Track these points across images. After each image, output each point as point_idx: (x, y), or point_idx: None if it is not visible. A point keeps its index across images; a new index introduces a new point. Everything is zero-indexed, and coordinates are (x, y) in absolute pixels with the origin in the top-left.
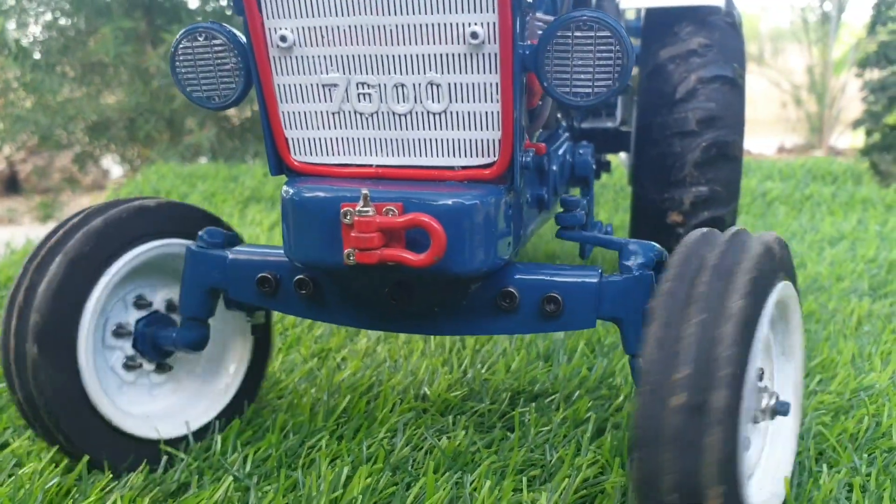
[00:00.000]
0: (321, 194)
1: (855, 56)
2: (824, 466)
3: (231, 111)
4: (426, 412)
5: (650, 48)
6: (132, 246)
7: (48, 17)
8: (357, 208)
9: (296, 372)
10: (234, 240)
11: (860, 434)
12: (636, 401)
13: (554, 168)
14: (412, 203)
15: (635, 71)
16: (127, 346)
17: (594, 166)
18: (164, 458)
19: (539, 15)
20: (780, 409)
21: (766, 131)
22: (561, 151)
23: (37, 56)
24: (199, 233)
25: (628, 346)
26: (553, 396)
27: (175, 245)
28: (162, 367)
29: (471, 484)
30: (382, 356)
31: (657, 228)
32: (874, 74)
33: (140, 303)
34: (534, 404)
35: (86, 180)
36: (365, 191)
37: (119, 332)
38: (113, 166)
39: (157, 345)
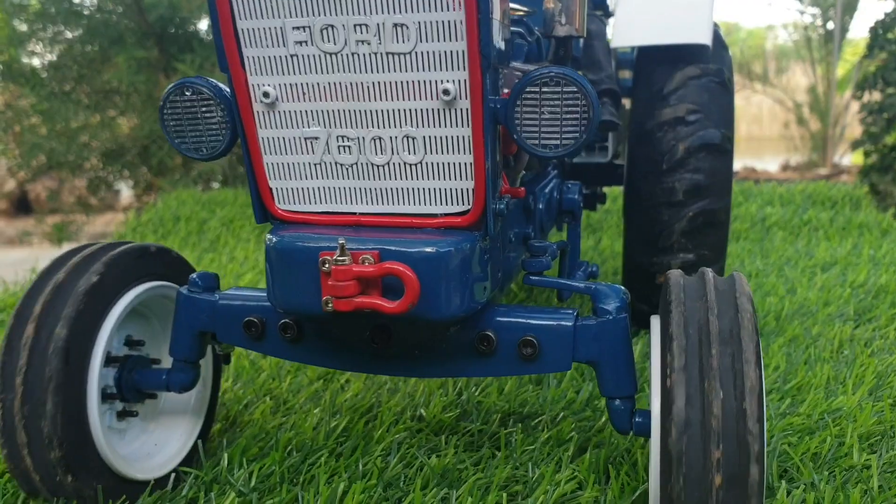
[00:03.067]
0: (301, 243)
1: (857, 75)
2: (784, 483)
3: None
4: (420, 432)
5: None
6: (127, 288)
7: (63, 45)
8: (334, 257)
9: (302, 393)
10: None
11: (823, 453)
12: (671, 480)
13: (540, 206)
14: (388, 251)
15: (627, 102)
16: (113, 389)
17: (581, 203)
18: (173, 475)
19: (517, 65)
20: None
21: (771, 149)
22: (548, 189)
23: (51, 84)
24: (192, 276)
25: (605, 389)
26: (540, 418)
27: (160, 288)
28: (128, 412)
29: (456, 499)
30: (384, 378)
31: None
32: (873, 96)
33: (129, 342)
34: (521, 425)
35: (95, 201)
36: (342, 240)
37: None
38: (124, 189)
39: (139, 388)
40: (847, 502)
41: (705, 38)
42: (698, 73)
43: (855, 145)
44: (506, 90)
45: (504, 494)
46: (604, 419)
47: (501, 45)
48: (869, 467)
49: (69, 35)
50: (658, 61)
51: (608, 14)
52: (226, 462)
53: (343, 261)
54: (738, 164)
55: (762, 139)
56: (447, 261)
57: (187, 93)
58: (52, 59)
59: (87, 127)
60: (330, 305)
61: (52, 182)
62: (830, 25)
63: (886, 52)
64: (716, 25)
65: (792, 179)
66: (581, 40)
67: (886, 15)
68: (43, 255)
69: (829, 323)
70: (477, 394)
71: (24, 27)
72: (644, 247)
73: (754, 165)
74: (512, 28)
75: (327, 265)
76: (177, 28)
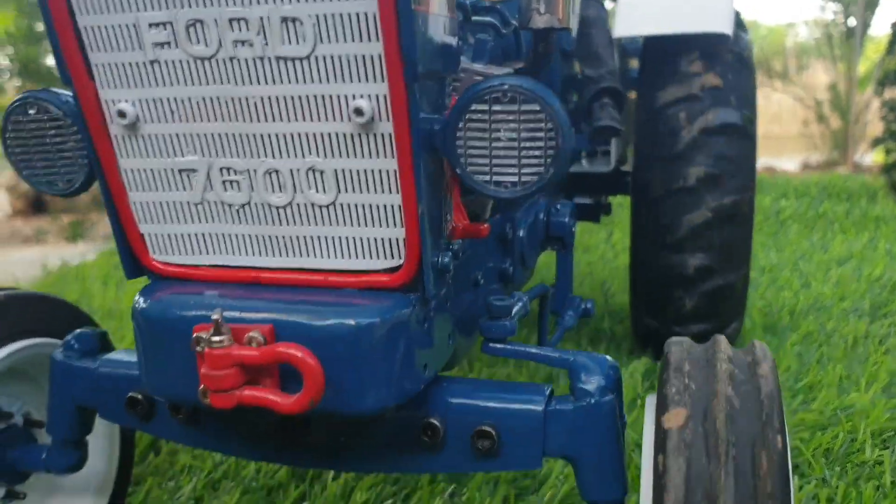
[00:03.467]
0: (173, 312)
1: (879, 73)
2: (796, 478)
3: None
4: None
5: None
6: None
7: None
8: (208, 335)
9: None
10: (108, 342)
11: (835, 449)
12: None
13: (520, 234)
14: (284, 325)
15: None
16: None
17: (573, 227)
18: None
19: (478, 67)
20: None
21: (791, 148)
22: (532, 211)
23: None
24: (68, 337)
25: (585, 492)
26: None
27: (38, 346)
28: (13, 494)
29: (464, 494)
30: None
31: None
32: (894, 93)
33: None
34: None
35: None
36: (217, 313)
37: None
38: None
39: (16, 469)
40: (860, 498)
41: (726, 27)
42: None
43: (875, 143)
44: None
45: (512, 490)
46: None
47: (442, 44)
48: (881, 463)
49: None
50: (669, 52)
51: None
52: (233, 458)
53: (219, 342)
54: (757, 163)
55: (782, 137)
56: (366, 337)
57: (31, 111)
58: None
59: None
60: (206, 398)
61: None
62: (852, 22)
63: None
64: (736, 9)
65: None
66: (574, 30)
67: None
68: (57, 253)
69: (844, 318)
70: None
71: (41, 27)
72: (652, 248)
73: (773, 164)
74: (480, 18)
75: (201, 345)
76: None
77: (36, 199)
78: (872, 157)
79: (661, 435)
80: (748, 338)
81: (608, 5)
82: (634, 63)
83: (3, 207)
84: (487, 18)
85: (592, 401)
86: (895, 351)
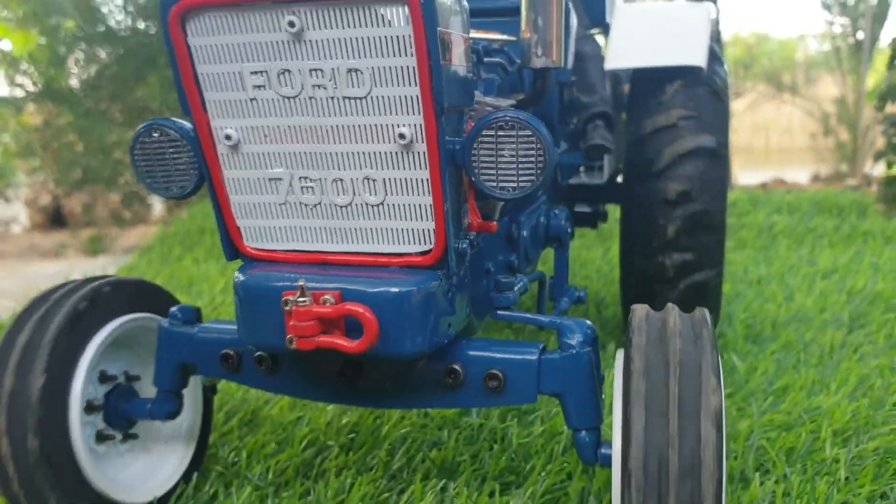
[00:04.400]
0: (266, 283)
1: (883, 87)
2: (758, 475)
3: None
4: (425, 427)
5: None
6: (106, 322)
7: (99, 65)
8: (295, 297)
9: None
10: (200, 315)
11: (798, 447)
12: (622, 493)
13: (524, 234)
14: (349, 291)
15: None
16: (97, 420)
17: (569, 229)
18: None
19: (489, 100)
20: None
21: (802, 160)
22: (535, 215)
23: (87, 102)
24: (172, 310)
25: (570, 421)
26: (537, 413)
27: (137, 319)
28: (129, 437)
29: (454, 489)
30: None
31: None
32: (895, 108)
33: (103, 377)
34: (518, 420)
35: (129, 214)
36: (302, 281)
37: (88, 408)
38: (157, 203)
39: (126, 416)
40: (814, 493)
41: (700, 60)
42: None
43: (877, 156)
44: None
45: (497, 485)
46: None
47: (460, 87)
48: (839, 461)
49: (104, 55)
50: (653, 81)
51: (608, 31)
52: (245, 458)
53: (304, 302)
54: (767, 175)
55: (792, 150)
56: (407, 300)
57: (155, 134)
58: (87, 78)
59: (122, 143)
60: (293, 344)
61: (86, 196)
62: (860, 35)
63: None
64: (712, 44)
65: (820, 191)
66: (570, 66)
67: None
68: (77, 267)
69: (823, 328)
70: None
71: (62, 49)
72: (640, 250)
73: (784, 177)
74: (490, 59)
75: (289, 305)
76: None
77: (55, 213)
78: (883, 170)
79: (626, 371)
80: (730, 346)
81: (600, 40)
82: (626, 88)
83: (23, 221)
84: (496, 59)
85: (574, 352)
86: (868, 358)
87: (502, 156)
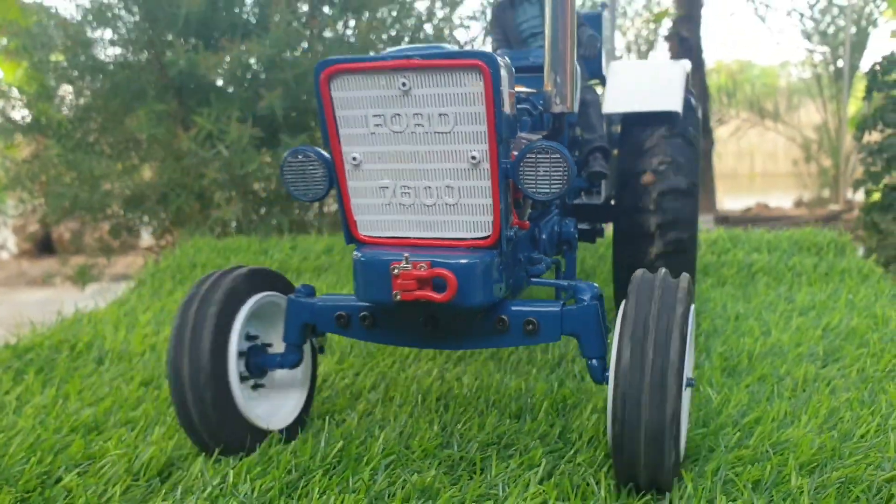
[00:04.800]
0: (378, 257)
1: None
2: (724, 500)
3: (258, 184)
4: (407, 457)
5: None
6: (250, 296)
7: (87, 98)
8: (401, 265)
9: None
10: (314, 291)
11: (765, 479)
12: (612, 398)
13: (543, 236)
14: (436, 262)
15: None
16: (242, 369)
17: (576, 235)
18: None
19: (523, 135)
20: (691, 384)
21: (786, 185)
22: (550, 224)
23: (76, 134)
24: (297, 287)
25: (584, 352)
26: (515, 447)
27: (267, 296)
28: (258, 385)
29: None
30: (378, 415)
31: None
32: (873, 137)
33: (247, 336)
34: (497, 451)
35: (117, 244)
36: (406, 254)
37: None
38: (144, 232)
39: (261, 367)
40: None
41: (677, 107)
42: (670, 134)
43: (856, 185)
44: (514, 153)
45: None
46: (573, 450)
47: (509, 125)
48: (803, 490)
49: (93, 88)
50: (640, 122)
51: (604, 82)
52: (231, 478)
53: (407, 267)
54: (751, 201)
55: (777, 175)
56: (475, 268)
57: (299, 157)
58: (76, 110)
59: (110, 175)
60: (398, 297)
61: (76, 223)
62: (841, 63)
63: (884, 94)
64: (688, 93)
65: (803, 217)
66: (576, 110)
67: (884, 58)
68: (66, 295)
69: (798, 362)
70: (460, 426)
71: (51, 82)
72: (629, 242)
73: (767, 202)
74: (521, 105)
75: (396, 270)
76: (196, 82)
77: (44, 241)
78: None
79: (623, 313)
80: (706, 379)
81: (599, 90)
82: (617, 129)
83: (11, 248)
84: (525, 105)
85: (586, 304)
86: (839, 391)
87: (539, 171)
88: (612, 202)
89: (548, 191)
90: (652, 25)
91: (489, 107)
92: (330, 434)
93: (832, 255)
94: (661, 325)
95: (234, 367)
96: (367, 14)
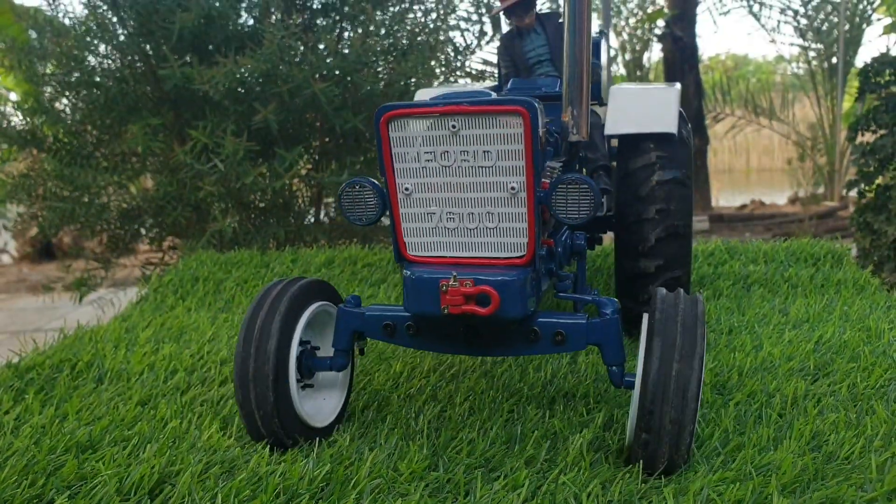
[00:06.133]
0: (428, 275)
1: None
2: None
3: (255, 196)
4: (394, 480)
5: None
6: (308, 305)
7: (82, 112)
8: (449, 283)
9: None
10: (360, 302)
11: (746, 499)
12: (638, 406)
13: (559, 250)
14: (479, 279)
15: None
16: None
17: (586, 247)
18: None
19: (550, 163)
20: None
21: (781, 180)
22: (564, 238)
23: (72, 146)
24: (347, 298)
25: (606, 360)
26: (501, 469)
27: (321, 305)
28: (308, 385)
29: None
30: (371, 437)
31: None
32: (865, 137)
33: (300, 342)
34: (480, 472)
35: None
36: (454, 273)
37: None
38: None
39: (311, 369)
40: None
41: (672, 128)
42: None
43: (849, 185)
44: (545, 181)
45: None
46: (557, 470)
47: (543, 159)
48: None
49: (88, 102)
50: (638, 139)
51: (602, 104)
52: (220, 499)
53: (455, 285)
54: (746, 198)
55: (773, 170)
56: (514, 284)
57: (356, 187)
58: (71, 124)
59: (106, 188)
60: (447, 310)
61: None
62: (835, 60)
63: (876, 95)
64: (680, 110)
65: (798, 214)
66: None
67: (874, 59)
68: (65, 302)
69: (788, 378)
70: (449, 450)
71: (47, 96)
72: (629, 256)
73: (763, 198)
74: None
75: (445, 287)
76: (191, 96)
77: (44, 246)
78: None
79: (649, 327)
80: None
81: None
82: (614, 142)
83: (12, 253)
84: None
85: (608, 317)
86: (828, 410)
87: (570, 199)
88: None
89: (577, 216)
90: (646, 25)
91: (527, 145)
92: (319, 455)
93: (829, 266)
94: (685, 341)
95: (293, 370)
96: (360, 30)
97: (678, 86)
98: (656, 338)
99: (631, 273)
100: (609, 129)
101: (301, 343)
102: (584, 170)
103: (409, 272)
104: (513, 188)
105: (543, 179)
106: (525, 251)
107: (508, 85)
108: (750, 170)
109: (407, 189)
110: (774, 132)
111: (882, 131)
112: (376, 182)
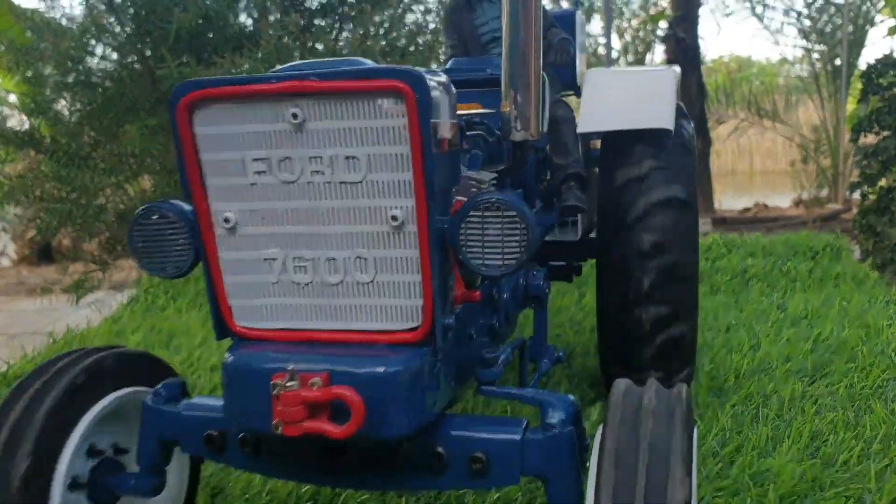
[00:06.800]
0: (255, 365)
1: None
2: None
3: None
4: (384, 494)
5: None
6: (103, 395)
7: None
8: (283, 381)
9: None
10: (187, 390)
11: None
12: None
13: (505, 296)
14: (337, 373)
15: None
16: (81, 499)
17: (547, 289)
18: None
19: (471, 174)
20: None
21: (784, 183)
22: (513, 278)
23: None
24: (157, 386)
25: (551, 500)
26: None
27: (135, 392)
28: None
29: None
30: None
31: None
32: (868, 139)
33: (92, 450)
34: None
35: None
36: (291, 366)
37: (73, 485)
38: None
39: (111, 491)
40: None
41: (668, 123)
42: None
43: (852, 188)
44: (460, 200)
45: None
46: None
47: (448, 170)
48: None
49: (85, 102)
50: (624, 141)
51: (578, 93)
52: None
53: (292, 386)
54: (749, 201)
55: (777, 173)
56: (395, 381)
57: (153, 217)
58: (69, 125)
59: (103, 190)
60: (279, 429)
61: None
62: (839, 62)
63: (879, 96)
64: (678, 102)
65: (801, 217)
66: (545, 129)
67: (877, 61)
68: (64, 304)
69: (786, 379)
70: None
71: (46, 92)
72: (615, 305)
73: (766, 201)
74: (472, 132)
75: (277, 389)
76: None
77: (43, 247)
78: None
79: (601, 449)
80: (692, 398)
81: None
82: (597, 144)
83: (10, 255)
84: (478, 131)
85: (556, 431)
86: (825, 411)
87: (488, 235)
88: (592, 235)
89: (500, 263)
90: (648, 26)
91: (416, 146)
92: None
93: (827, 260)
94: (654, 464)
95: (59, 485)
96: (359, 30)
97: (676, 69)
98: (605, 461)
99: (618, 329)
100: (582, 126)
101: (95, 452)
102: (549, 179)
103: (229, 358)
104: (394, 218)
105: (458, 198)
106: (419, 321)
107: (447, 65)
108: (753, 172)
109: (227, 220)
110: (778, 134)
111: (885, 133)
112: (187, 208)
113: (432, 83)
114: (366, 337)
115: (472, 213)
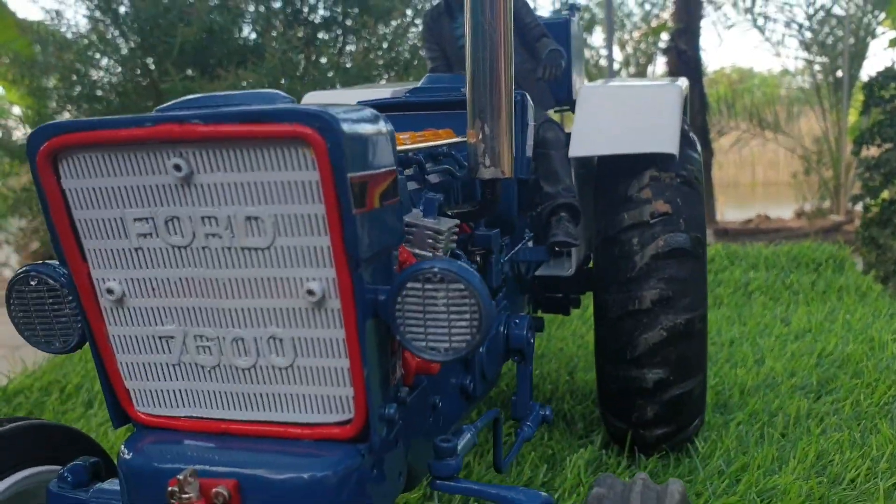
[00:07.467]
0: (151, 465)
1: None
2: None
3: None
4: None
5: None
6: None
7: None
8: (180, 488)
9: None
10: (100, 472)
11: None
12: None
13: (480, 350)
14: (248, 478)
15: None
16: None
17: (532, 339)
18: None
19: (428, 222)
20: None
21: (787, 194)
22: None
23: None
24: (62, 470)
25: None
26: None
27: (41, 473)
28: None
29: None
30: None
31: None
32: (870, 152)
33: None
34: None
35: None
36: (189, 470)
37: None
38: None
39: None
40: None
41: (672, 147)
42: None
43: (854, 200)
44: (419, 251)
45: None
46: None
47: (384, 229)
48: None
49: (90, 115)
50: (622, 169)
51: (573, 108)
52: None
53: (188, 499)
54: (751, 212)
55: (779, 184)
56: (319, 489)
57: (32, 282)
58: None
59: None
60: None
61: None
62: (840, 74)
63: (881, 109)
64: (684, 127)
65: (803, 228)
66: (532, 152)
67: (879, 73)
68: None
69: (791, 395)
70: None
71: (50, 108)
72: (615, 360)
73: (768, 212)
74: (435, 167)
75: (175, 498)
76: None
77: (45, 258)
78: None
79: None
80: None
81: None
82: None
83: (13, 266)
84: (444, 166)
85: None
86: (831, 430)
87: (431, 312)
88: (590, 264)
89: (446, 346)
90: (650, 38)
91: (331, 207)
92: None
93: (830, 272)
94: None
95: None
96: (363, 44)
97: (682, 82)
98: None
99: (617, 385)
100: (574, 149)
101: None
102: (537, 209)
103: (125, 452)
104: (311, 292)
105: (417, 252)
106: (350, 412)
107: (420, 82)
108: (755, 183)
109: (112, 291)
110: (780, 145)
111: (887, 145)
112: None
113: (350, 126)
114: (288, 431)
115: (409, 284)
